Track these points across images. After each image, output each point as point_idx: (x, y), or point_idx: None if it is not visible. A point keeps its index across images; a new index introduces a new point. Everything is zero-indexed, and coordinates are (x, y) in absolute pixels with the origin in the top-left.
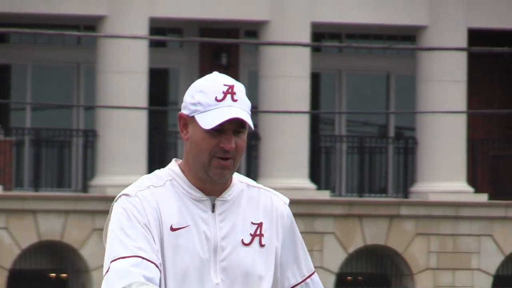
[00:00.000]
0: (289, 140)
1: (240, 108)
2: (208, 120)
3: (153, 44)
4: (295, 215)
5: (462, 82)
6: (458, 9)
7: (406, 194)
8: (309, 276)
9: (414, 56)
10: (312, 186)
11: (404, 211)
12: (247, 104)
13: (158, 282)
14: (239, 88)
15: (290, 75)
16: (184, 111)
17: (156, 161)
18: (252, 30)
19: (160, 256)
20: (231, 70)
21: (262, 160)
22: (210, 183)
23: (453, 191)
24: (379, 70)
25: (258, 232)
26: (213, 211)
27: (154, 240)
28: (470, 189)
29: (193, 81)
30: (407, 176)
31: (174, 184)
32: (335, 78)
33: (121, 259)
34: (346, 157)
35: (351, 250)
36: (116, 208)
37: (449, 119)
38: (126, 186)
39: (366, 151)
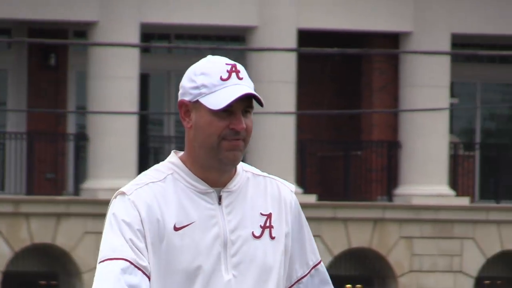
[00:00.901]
0: (117, 141)
1: (247, 86)
2: (217, 101)
3: None
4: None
5: (292, 83)
6: (287, 10)
7: None
8: (314, 266)
9: (244, 57)
10: None
11: None
12: (252, 83)
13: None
14: (241, 67)
15: (119, 75)
16: (185, 98)
17: None
18: (81, 31)
19: (148, 263)
20: (59, 70)
21: (90, 161)
22: (217, 172)
23: None
24: None
25: (268, 224)
26: (219, 204)
27: (144, 245)
28: (299, 190)
29: (21, 82)
30: None
31: (176, 177)
32: (164, 79)
33: (108, 261)
34: None
35: None
36: (111, 209)
37: (279, 120)
38: None
39: None
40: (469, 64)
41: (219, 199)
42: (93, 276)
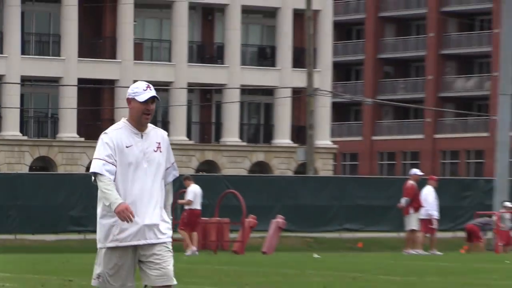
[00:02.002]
0: None
1: (154, 93)
2: (142, 98)
3: None
4: None
5: (74, 98)
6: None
7: None
8: (172, 164)
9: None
10: None
11: None
12: (155, 92)
13: (113, 171)
14: (151, 85)
15: None
16: (129, 96)
17: None
18: None
19: (115, 160)
20: None
21: None
22: (141, 126)
23: None
24: None
25: (159, 146)
26: (142, 138)
27: (114, 154)
28: None
29: None
30: None
31: (126, 127)
32: None
33: (96, 159)
34: None
35: None
36: (100, 138)
37: None
38: None
39: None
40: None
41: (142, 136)
42: None
